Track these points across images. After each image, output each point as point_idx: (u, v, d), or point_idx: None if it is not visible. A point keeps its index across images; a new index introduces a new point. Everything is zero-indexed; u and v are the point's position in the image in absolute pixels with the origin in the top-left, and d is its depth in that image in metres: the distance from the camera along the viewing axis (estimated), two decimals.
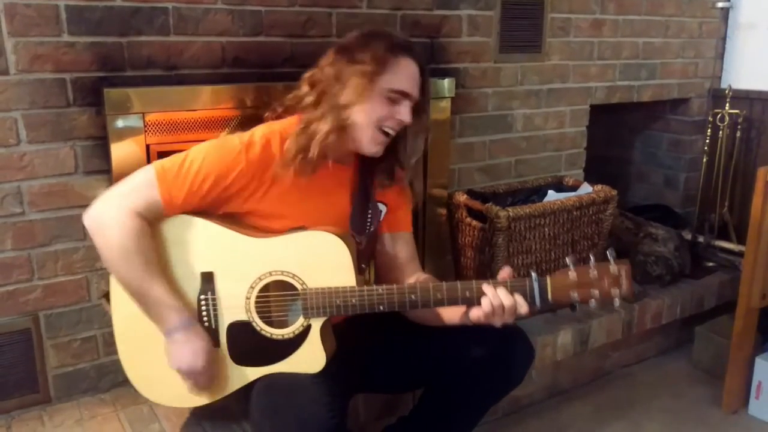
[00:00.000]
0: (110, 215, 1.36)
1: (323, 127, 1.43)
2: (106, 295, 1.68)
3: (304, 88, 1.50)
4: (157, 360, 1.44)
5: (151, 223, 1.40)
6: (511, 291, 1.40)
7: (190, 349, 1.38)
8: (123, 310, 1.45)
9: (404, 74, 1.46)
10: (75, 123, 1.69)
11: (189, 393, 1.47)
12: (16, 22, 1.58)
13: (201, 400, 1.49)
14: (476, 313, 1.41)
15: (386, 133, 1.49)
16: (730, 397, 2.25)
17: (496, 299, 1.39)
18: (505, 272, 1.44)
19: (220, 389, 1.47)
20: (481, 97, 2.37)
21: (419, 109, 1.51)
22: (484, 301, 1.39)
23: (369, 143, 1.48)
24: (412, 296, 1.42)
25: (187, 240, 1.43)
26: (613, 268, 1.39)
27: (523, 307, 1.40)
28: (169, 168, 1.40)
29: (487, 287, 1.40)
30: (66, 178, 1.72)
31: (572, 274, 1.39)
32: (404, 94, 1.46)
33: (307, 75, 1.52)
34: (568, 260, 1.41)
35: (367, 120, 1.45)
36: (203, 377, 1.42)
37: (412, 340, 1.60)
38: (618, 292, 1.39)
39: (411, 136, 1.55)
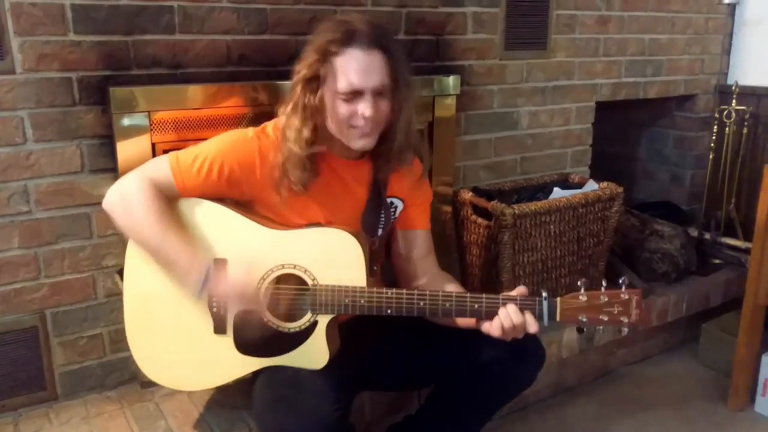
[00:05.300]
0: (130, 187, 1.42)
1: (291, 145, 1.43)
2: (120, 272, 1.69)
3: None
4: (163, 341, 1.47)
5: (169, 199, 1.43)
6: (521, 309, 1.40)
7: (225, 285, 1.40)
8: (135, 288, 1.48)
9: (350, 72, 1.37)
10: (81, 122, 1.70)
11: (191, 376, 1.49)
12: (22, 21, 1.59)
13: (203, 384, 1.52)
14: (487, 329, 1.42)
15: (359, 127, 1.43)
16: (736, 394, 2.24)
17: (508, 321, 1.39)
18: (517, 290, 1.44)
19: (222, 376, 1.49)
20: (487, 95, 2.37)
21: (392, 90, 1.43)
22: (496, 322, 1.40)
23: (350, 141, 1.46)
24: (421, 303, 1.43)
25: (204, 224, 1.45)
26: (624, 295, 1.40)
27: (533, 326, 1.40)
28: (182, 155, 1.44)
29: (500, 309, 1.40)
30: (72, 176, 1.72)
31: (582, 297, 1.41)
32: (355, 93, 1.39)
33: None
34: (579, 283, 1.43)
35: (335, 124, 1.44)
36: (252, 297, 1.42)
37: (420, 340, 1.60)
38: (627, 320, 1.40)
39: (397, 112, 1.47)
